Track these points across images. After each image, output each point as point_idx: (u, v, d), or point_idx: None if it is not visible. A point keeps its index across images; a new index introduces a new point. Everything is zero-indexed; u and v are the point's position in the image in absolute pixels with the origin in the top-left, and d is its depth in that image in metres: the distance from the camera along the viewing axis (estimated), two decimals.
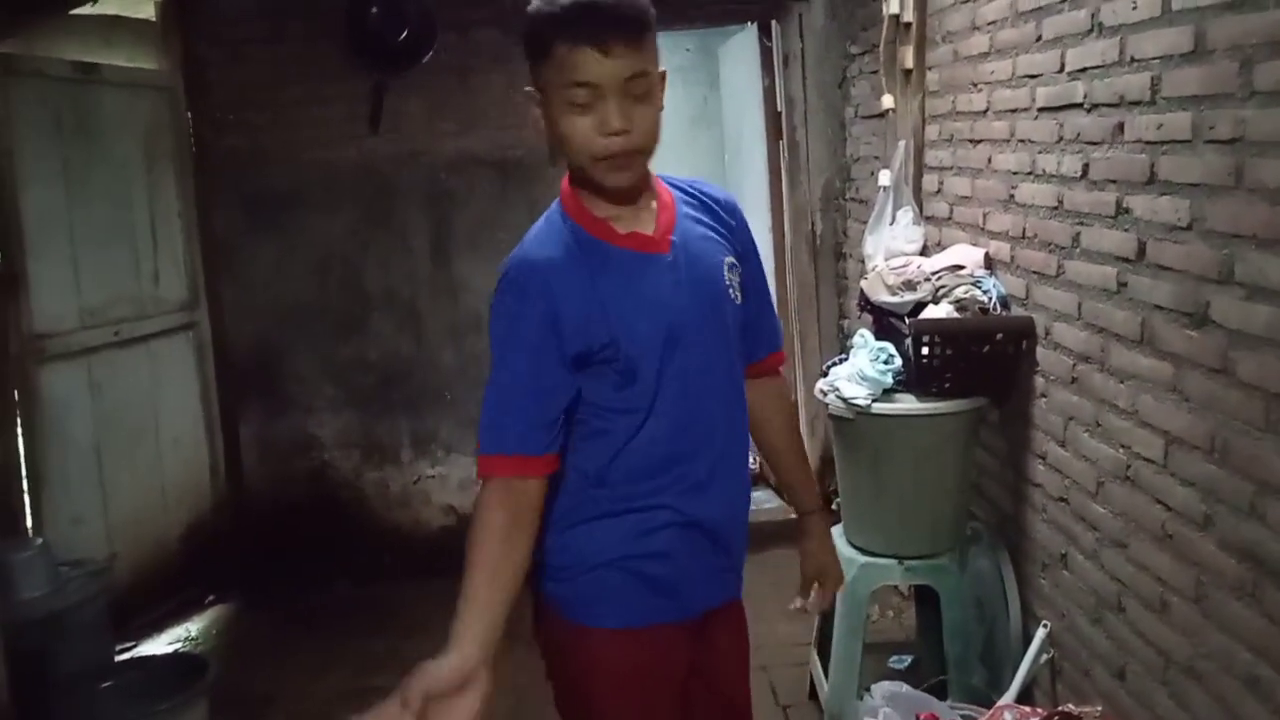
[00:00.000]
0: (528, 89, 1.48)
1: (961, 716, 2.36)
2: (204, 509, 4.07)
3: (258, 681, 3.40)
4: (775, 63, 4.23)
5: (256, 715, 3.06)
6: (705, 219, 1.62)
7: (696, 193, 1.64)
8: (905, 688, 2.39)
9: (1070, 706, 2.06)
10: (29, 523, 3.26)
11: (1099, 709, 2.05)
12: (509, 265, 1.50)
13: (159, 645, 3.67)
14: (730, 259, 1.60)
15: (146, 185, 3.84)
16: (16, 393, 3.26)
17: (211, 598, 4.01)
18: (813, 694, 2.98)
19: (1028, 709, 2.12)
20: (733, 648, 1.70)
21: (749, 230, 1.70)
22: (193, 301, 4.05)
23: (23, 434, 3.35)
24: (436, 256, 4.12)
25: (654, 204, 1.57)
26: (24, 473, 3.28)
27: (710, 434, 1.56)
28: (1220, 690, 1.82)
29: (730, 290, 1.58)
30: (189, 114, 3.98)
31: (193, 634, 3.79)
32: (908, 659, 3.01)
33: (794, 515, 1.87)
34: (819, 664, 2.91)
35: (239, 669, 3.50)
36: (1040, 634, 2.41)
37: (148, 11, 3.91)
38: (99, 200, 3.63)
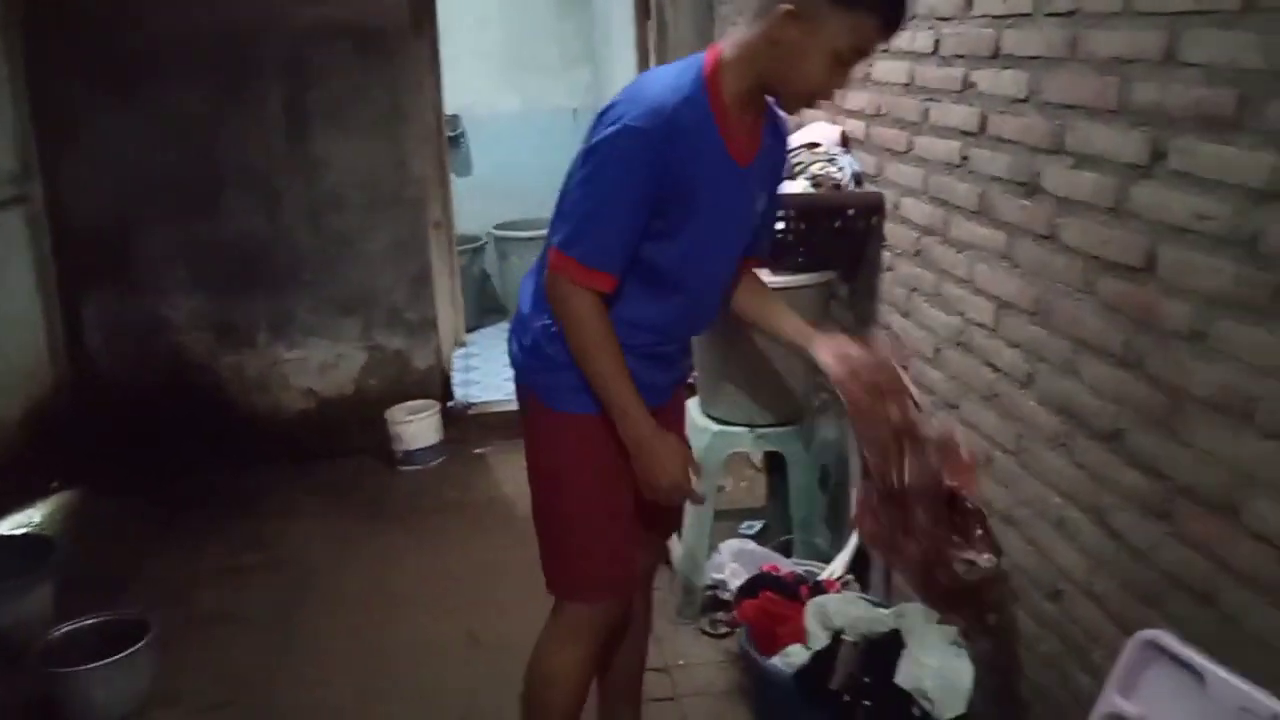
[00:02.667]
0: (789, 6, 1.57)
1: (804, 570, 2.50)
2: (44, 393, 3.88)
3: (112, 565, 3.31)
4: None
5: (112, 597, 2.99)
6: (772, 142, 1.84)
7: (774, 113, 1.83)
8: (751, 544, 2.51)
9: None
10: None
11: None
12: (648, 108, 1.61)
13: None
14: (765, 194, 1.88)
15: None
16: None
17: (56, 484, 3.86)
18: (666, 559, 3.09)
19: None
20: (675, 419, 2.02)
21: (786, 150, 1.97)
22: (25, 174, 3.78)
23: None
24: (294, 132, 3.94)
25: (760, 120, 1.77)
26: None
27: (709, 313, 1.93)
28: (1033, 534, 1.97)
29: (756, 212, 1.87)
30: None
31: (36, 520, 3.65)
32: (757, 525, 3.15)
33: None
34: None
35: (90, 553, 3.40)
36: None
37: None
38: None
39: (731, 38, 1.71)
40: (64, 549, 3.03)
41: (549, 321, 1.78)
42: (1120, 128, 1.64)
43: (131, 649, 2.49)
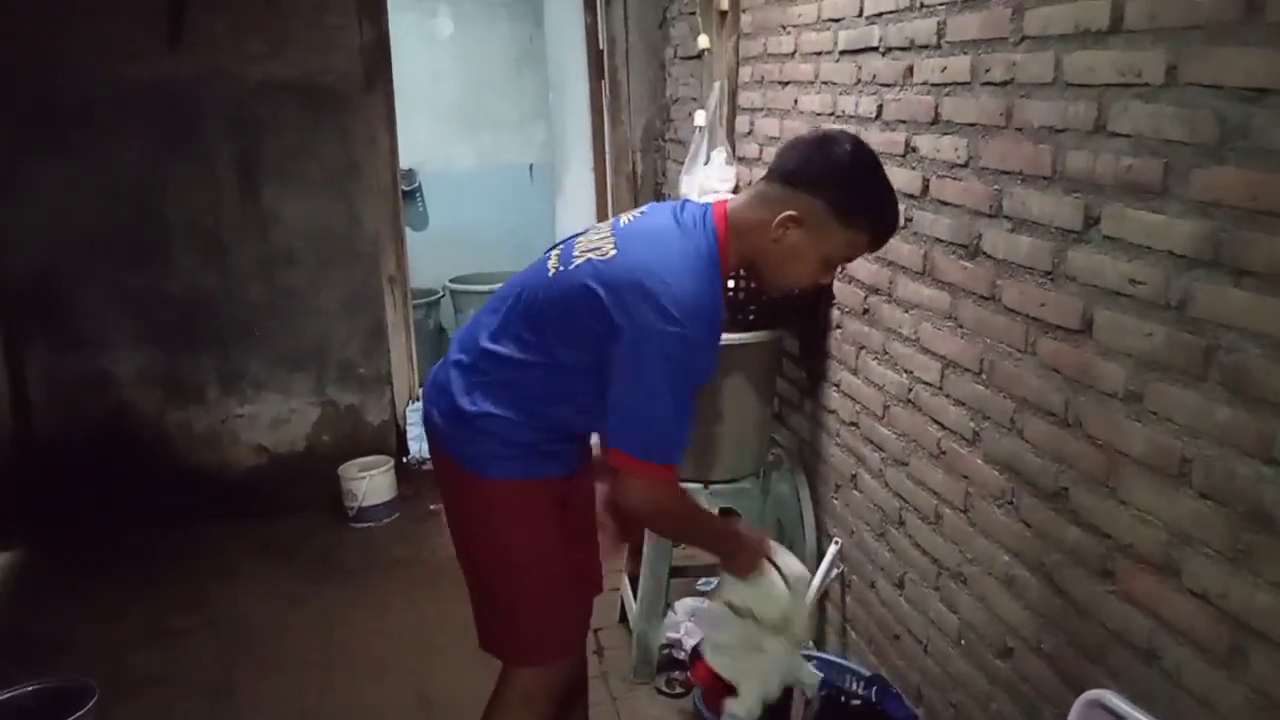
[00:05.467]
0: (794, 213, 1.69)
1: None
2: None
3: (51, 627, 3.22)
4: (597, 0, 4.22)
5: (51, 660, 2.90)
6: None
7: None
8: (707, 603, 2.50)
9: None
10: None
11: None
12: (691, 310, 1.65)
13: None
14: None
15: None
16: None
17: None
18: (623, 618, 3.07)
19: None
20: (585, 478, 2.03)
21: None
22: None
23: None
24: (243, 186, 3.93)
25: None
26: None
27: None
28: (983, 591, 1.99)
29: None
30: None
31: None
32: (714, 581, 3.13)
33: None
34: (630, 590, 3.00)
35: (27, 615, 3.32)
36: (831, 550, 2.56)
37: None
38: None
39: (736, 210, 1.77)
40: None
41: (497, 412, 1.81)
42: (1055, 194, 1.69)
43: (74, 716, 2.42)
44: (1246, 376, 1.33)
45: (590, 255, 1.76)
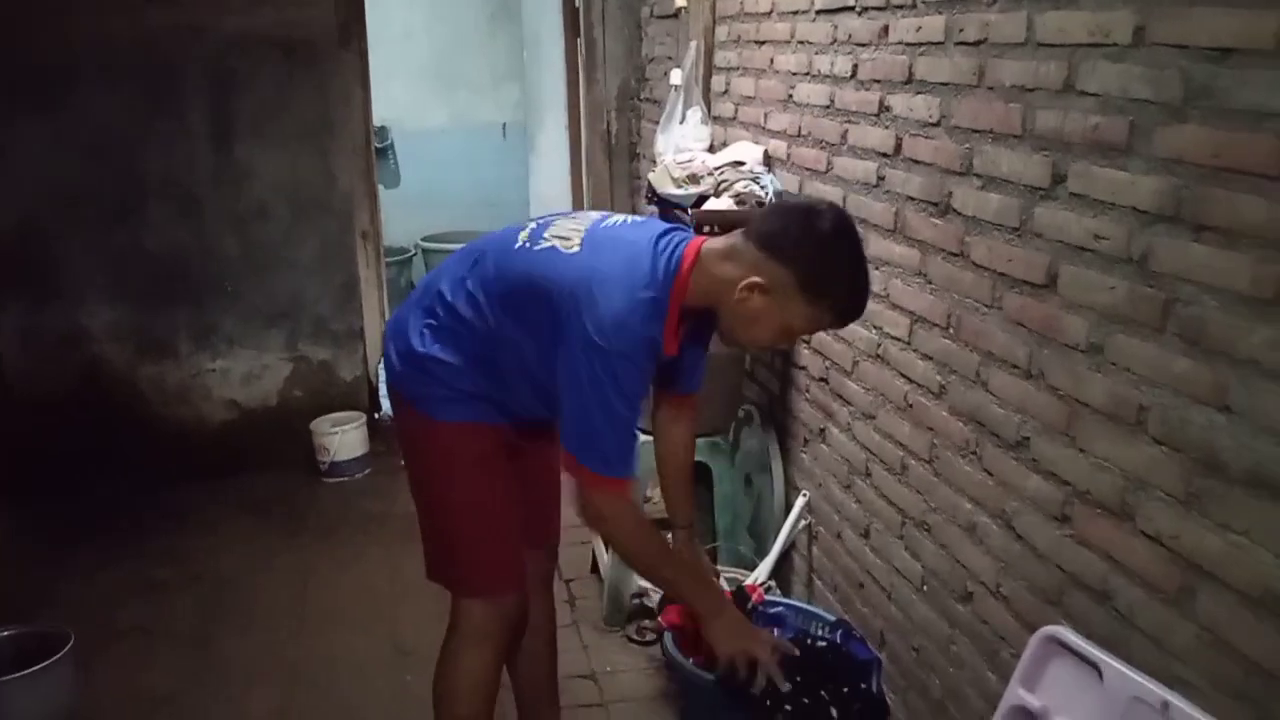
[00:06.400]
0: (760, 280, 1.65)
1: (728, 577, 2.56)
2: None
3: (26, 580, 3.23)
4: None
5: (26, 613, 2.90)
6: (700, 328, 1.87)
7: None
8: None
9: None
10: None
11: None
12: (623, 327, 1.66)
13: None
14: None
15: None
16: None
17: None
18: (594, 568, 3.13)
19: None
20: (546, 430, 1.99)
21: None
22: None
23: None
24: (218, 142, 3.90)
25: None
26: None
27: None
28: (946, 539, 2.06)
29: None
30: None
31: None
32: None
33: None
34: (600, 540, 3.05)
35: (6, 571, 3.31)
36: (799, 502, 2.62)
37: None
38: None
39: (708, 253, 1.73)
40: None
41: (444, 357, 1.85)
42: (1024, 152, 1.74)
43: (53, 659, 2.45)
44: (1203, 328, 1.38)
45: (556, 243, 1.78)
